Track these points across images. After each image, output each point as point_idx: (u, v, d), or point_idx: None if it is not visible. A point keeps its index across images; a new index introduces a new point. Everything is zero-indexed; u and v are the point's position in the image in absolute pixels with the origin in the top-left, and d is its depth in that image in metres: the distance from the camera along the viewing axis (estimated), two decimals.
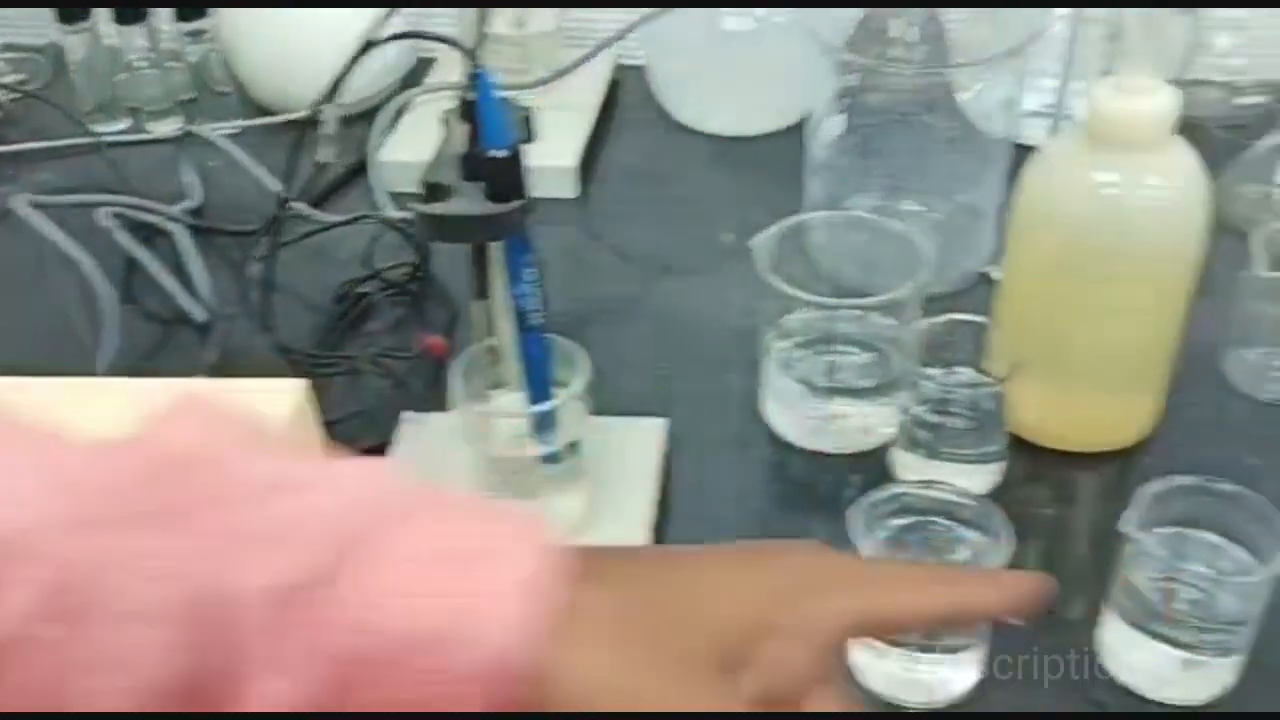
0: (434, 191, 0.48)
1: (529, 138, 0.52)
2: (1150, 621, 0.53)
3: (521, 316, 0.52)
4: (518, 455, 0.57)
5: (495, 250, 0.51)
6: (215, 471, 0.34)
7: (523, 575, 0.33)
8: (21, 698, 0.31)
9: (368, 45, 0.48)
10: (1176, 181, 0.59)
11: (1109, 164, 0.58)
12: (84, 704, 0.32)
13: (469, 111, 0.46)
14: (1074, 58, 0.72)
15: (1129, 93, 0.57)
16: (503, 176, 0.47)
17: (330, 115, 0.51)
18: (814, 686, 0.37)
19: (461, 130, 0.47)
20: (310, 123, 0.61)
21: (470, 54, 0.46)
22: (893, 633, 0.44)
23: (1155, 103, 0.56)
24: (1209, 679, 0.54)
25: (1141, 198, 0.58)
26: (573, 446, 0.57)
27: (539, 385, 0.55)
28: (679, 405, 0.71)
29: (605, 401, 0.71)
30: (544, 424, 0.56)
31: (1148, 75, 0.57)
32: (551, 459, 0.57)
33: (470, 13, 0.47)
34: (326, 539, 0.33)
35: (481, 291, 0.53)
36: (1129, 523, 0.52)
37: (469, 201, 0.47)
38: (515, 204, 0.47)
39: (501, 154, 0.46)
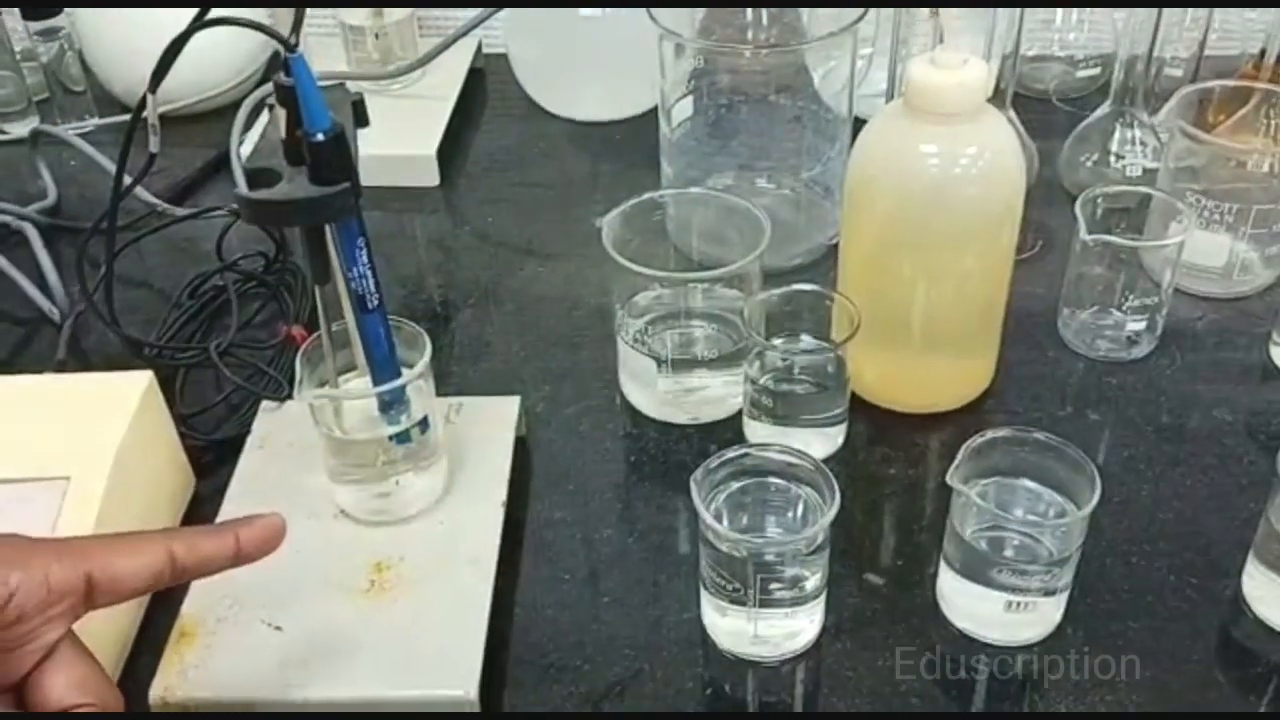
0: (259, 177, 0.48)
1: (361, 123, 0.53)
2: (979, 568, 0.55)
3: (360, 299, 0.53)
4: (368, 437, 0.58)
5: (331, 235, 0.52)
6: None
7: None
8: None
9: (186, 34, 0.48)
10: (993, 149, 0.61)
11: (928, 135, 0.61)
12: None
13: (287, 97, 0.47)
14: (905, 35, 0.75)
15: (942, 67, 0.59)
16: (325, 160, 0.48)
17: (151, 106, 0.51)
18: (44, 661, 0.42)
19: (281, 116, 0.48)
20: (164, 118, 0.62)
21: (284, 41, 0.46)
22: (126, 594, 0.44)
23: (967, 75, 0.59)
24: (1036, 619, 0.57)
25: (960, 166, 0.61)
26: (421, 425, 0.58)
27: (383, 366, 0.56)
28: (539, 384, 0.72)
29: (468, 383, 0.72)
30: (391, 404, 0.57)
31: (963, 50, 0.60)
32: (402, 438, 0.58)
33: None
34: None
35: (320, 276, 0.53)
36: (953, 476, 0.55)
37: (292, 186, 0.48)
38: (338, 187, 0.48)
39: (321, 137, 0.47)
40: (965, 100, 0.59)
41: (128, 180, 0.62)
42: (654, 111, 0.89)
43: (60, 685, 0.42)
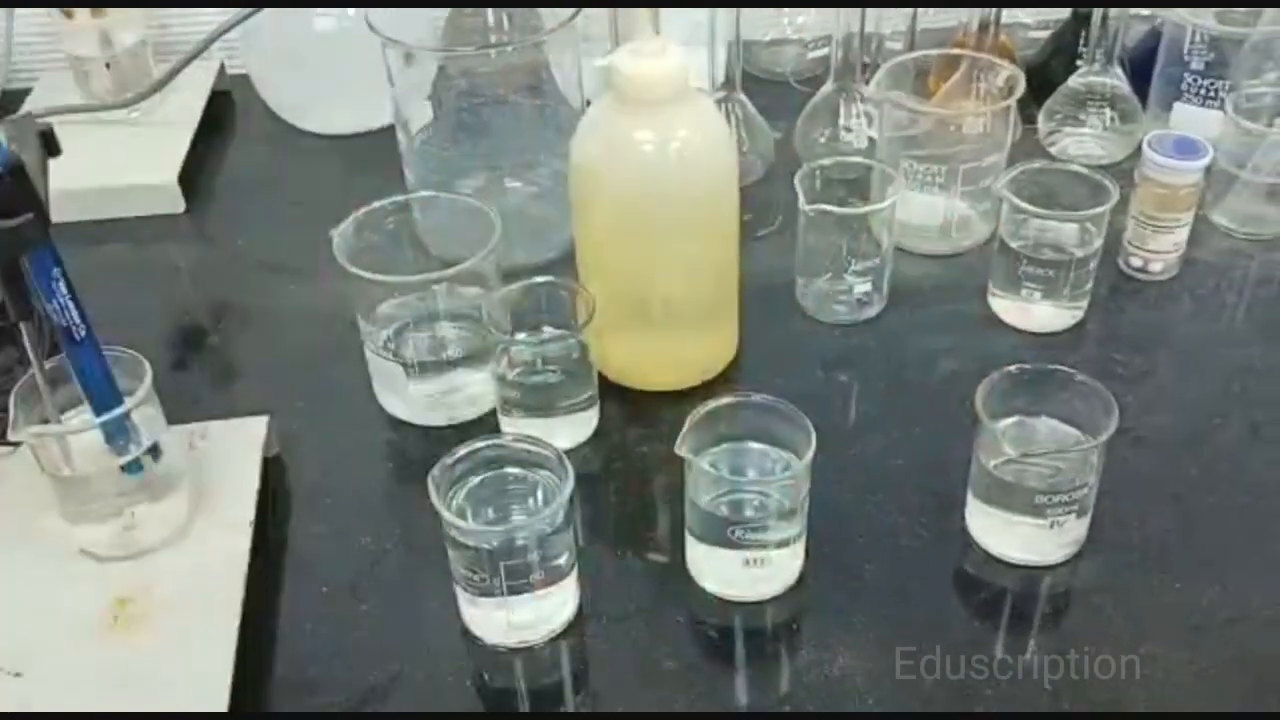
0: None
1: (52, 152, 0.52)
2: (714, 530, 0.58)
3: (65, 331, 0.52)
4: (92, 470, 0.57)
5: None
6: None
7: None
8: None
9: None
10: (701, 131, 0.64)
11: (640, 122, 0.63)
12: None
13: None
14: (625, 30, 0.77)
15: (643, 55, 0.61)
16: (3, 193, 0.47)
17: None
18: None
19: None
20: None
21: None
22: None
23: (667, 62, 0.62)
24: (775, 572, 0.59)
25: (672, 150, 0.63)
26: (152, 453, 0.57)
27: (101, 396, 0.55)
28: (295, 401, 0.72)
29: (221, 407, 0.71)
30: (116, 434, 0.56)
31: (661, 39, 0.62)
32: (133, 468, 0.57)
33: None
34: None
35: (21, 312, 0.52)
36: (682, 446, 0.57)
37: None
38: (20, 219, 0.47)
39: None
40: (667, 87, 0.62)
41: None
42: None
43: None
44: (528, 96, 0.83)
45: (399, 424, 0.71)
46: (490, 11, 0.88)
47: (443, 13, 0.88)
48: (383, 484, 0.68)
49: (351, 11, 0.90)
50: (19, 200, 0.48)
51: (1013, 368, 0.61)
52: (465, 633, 0.59)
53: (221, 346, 0.77)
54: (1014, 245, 0.73)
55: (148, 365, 0.56)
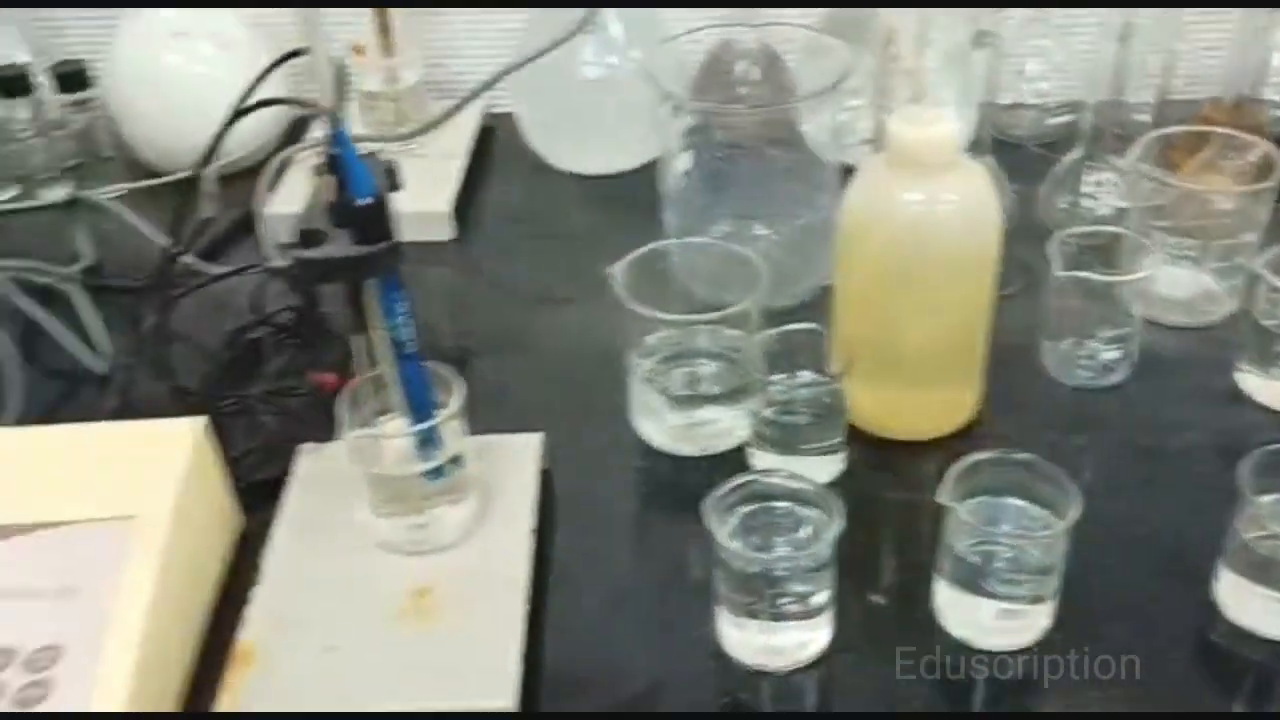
0: (308, 238, 0.53)
1: (395, 186, 0.58)
2: (972, 579, 0.60)
3: (398, 346, 0.58)
4: (404, 473, 0.63)
5: (369, 288, 0.57)
6: None
7: None
8: None
9: (238, 114, 0.54)
10: (969, 196, 0.67)
11: (910, 184, 0.66)
12: None
13: (334, 165, 0.53)
14: (886, 87, 0.81)
15: (919, 122, 0.65)
16: (369, 221, 0.53)
17: (209, 175, 0.57)
18: None
19: (329, 182, 0.53)
20: (192, 182, 0.68)
21: (331, 114, 0.52)
22: None
23: (942, 130, 0.65)
24: (1027, 625, 0.61)
25: (940, 212, 0.66)
26: (455, 461, 0.63)
27: (419, 407, 0.61)
28: (558, 423, 0.77)
29: (490, 422, 0.77)
30: (426, 442, 0.62)
31: (935, 106, 0.65)
32: (436, 474, 0.63)
33: (329, 76, 0.52)
34: None
35: (359, 327, 0.58)
36: (944, 495, 0.60)
37: (339, 246, 0.53)
38: (382, 246, 0.53)
39: (366, 202, 0.52)
40: (940, 153, 0.65)
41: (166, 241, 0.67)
42: (653, 163, 0.95)
43: None
44: (779, 149, 0.88)
45: (651, 451, 0.75)
46: (738, 63, 0.93)
47: (695, 60, 0.93)
48: (636, 506, 0.73)
49: (615, 60, 0.96)
50: (379, 228, 0.54)
51: (1276, 445, 0.62)
52: (718, 653, 0.62)
53: (489, 368, 0.83)
54: (1268, 325, 0.74)
55: (462, 381, 0.62)
